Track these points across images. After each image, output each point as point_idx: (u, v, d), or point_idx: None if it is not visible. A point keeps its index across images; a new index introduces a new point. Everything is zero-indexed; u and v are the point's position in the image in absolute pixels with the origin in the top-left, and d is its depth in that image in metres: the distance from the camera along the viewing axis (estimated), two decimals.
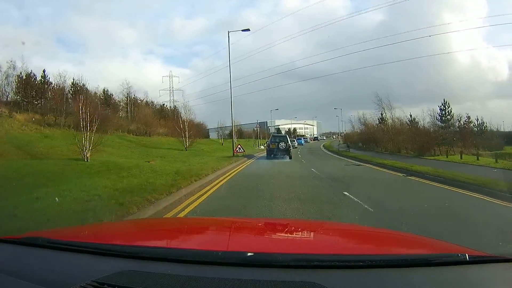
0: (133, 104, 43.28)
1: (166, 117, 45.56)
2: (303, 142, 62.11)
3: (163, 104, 53.07)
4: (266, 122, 78.99)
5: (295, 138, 53.70)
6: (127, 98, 42.39)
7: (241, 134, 59.98)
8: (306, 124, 72.68)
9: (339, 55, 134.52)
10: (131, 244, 1.41)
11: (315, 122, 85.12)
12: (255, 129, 54.73)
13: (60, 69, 65.31)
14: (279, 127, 78.61)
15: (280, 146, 21.92)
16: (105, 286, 0.95)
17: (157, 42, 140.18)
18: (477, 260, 1.15)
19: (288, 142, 22.57)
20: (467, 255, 1.12)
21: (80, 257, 1.22)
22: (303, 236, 1.83)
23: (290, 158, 21.16)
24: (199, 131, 43.41)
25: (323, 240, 1.69)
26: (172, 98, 59.09)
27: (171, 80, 61.07)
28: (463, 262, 1.11)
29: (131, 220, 4.32)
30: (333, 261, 1.10)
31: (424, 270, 1.09)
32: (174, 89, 60.10)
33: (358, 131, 39.95)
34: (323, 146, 51.83)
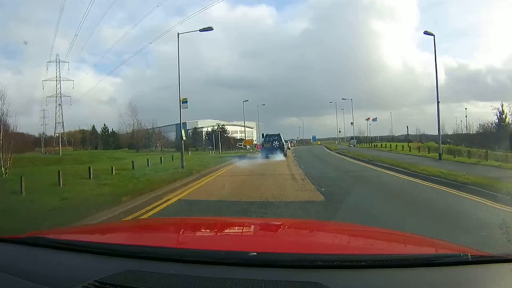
0: None
1: None
2: (289, 146, 51.62)
3: None
4: (186, 123, 62.71)
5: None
6: None
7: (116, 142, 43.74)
8: (245, 126, 53.62)
9: (265, 63, 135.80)
10: (133, 244, 1.40)
11: (254, 124, 69.53)
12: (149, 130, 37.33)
13: None
14: (203, 129, 62.62)
15: (274, 144, 22.77)
16: (108, 285, 0.95)
17: (89, 51, 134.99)
18: (479, 260, 1.15)
19: (282, 140, 23.53)
20: (469, 255, 1.12)
21: (82, 257, 1.21)
22: (306, 236, 1.82)
23: (285, 156, 21.35)
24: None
25: (326, 240, 1.68)
26: (59, 89, 43.77)
27: (57, 66, 44.94)
28: (466, 262, 1.11)
29: (133, 220, 4.37)
30: (336, 261, 1.11)
31: (427, 270, 1.08)
32: (62, 79, 44.31)
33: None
34: (351, 156, 22.06)
